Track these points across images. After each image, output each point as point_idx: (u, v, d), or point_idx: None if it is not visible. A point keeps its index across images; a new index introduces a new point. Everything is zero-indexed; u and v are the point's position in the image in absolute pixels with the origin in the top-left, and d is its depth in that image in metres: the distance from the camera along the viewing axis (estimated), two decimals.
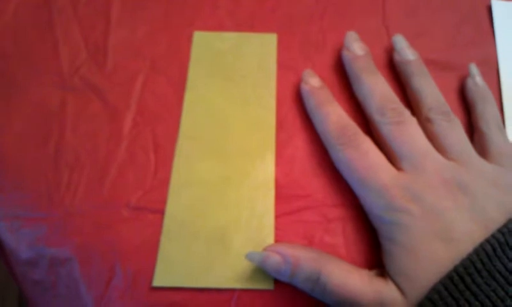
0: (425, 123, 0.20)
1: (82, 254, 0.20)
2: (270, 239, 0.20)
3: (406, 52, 0.23)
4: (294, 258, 0.18)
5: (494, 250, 0.16)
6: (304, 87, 0.22)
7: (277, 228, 0.20)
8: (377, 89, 0.21)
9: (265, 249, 0.18)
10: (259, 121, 0.23)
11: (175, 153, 0.22)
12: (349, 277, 0.17)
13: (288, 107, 0.23)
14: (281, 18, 0.26)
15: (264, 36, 0.25)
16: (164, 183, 0.21)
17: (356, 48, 0.23)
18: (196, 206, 0.21)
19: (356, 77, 0.22)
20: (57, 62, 0.25)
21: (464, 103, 0.23)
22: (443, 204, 0.17)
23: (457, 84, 0.24)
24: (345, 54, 0.23)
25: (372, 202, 0.18)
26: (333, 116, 0.21)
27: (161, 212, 0.21)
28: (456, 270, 0.15)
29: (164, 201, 0.21)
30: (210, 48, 0.25)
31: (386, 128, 0.20)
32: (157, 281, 0.19)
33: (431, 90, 0.21)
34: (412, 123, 0.20)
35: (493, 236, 0.16)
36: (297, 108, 0.23)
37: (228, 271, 0.19)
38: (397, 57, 0.23)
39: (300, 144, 0.22)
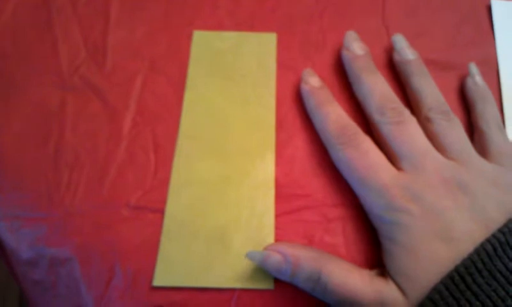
0: (425, 123, 0.20)
1: (82, 254, 0.20)
2: (270, 238, 0.20)
3: (406, 51, 0.23)
4: (295, 257, 0.18)
5: (495, 250, 0.16)
6: (304, 87, 0.22)
7: (277, 227, 0.20)
8: (376, 88, 0.21)
9: (265, 249, 0.18)
10: (259, 121, 0.23)
11: (174, 153, 0.22)
12: (350, 276, 0.17)
13: (288, 106, 0.23)
14: (281, 18, 0.26)
15: (263, 35, 0.25)
16: (164, 182, 0.21)
17: (355, 47, 0.23)
18: (196, 206, 0.21)
19: (356, 76, 0.22)
20: (56, 62, 0.25)
21: (464, 103, 0.23)
22: (443, 204, 0.17)
23: (457, 83, 0.24)
24: (345, 54, 0.23)
25: (372, 202, 0.18)
26: (333, 115, 0.21)
27: (161, 212, 0.21)
28: (456, 270, 0.15)
29: (164, 201, 0.21)
30: (210, 48, 0.25)
31: (386, 128, 0.20)
32: (157, 281, 0.19)
33: (430, 90, 0.21)
34: (412, 122, 0.20)
35: (493, 235, 0.16)
36: (297, 108, 0.23)
37: (228, 271, 0.19)
38: (396, 56, 0.23)
39: (300, 144, 0.22)
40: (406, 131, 0.19)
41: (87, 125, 0.23)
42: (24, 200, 0.21)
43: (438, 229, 0.17)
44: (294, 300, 0.19)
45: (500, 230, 0.16)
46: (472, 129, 0.22)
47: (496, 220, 0.17)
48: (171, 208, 0.21)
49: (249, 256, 0.18)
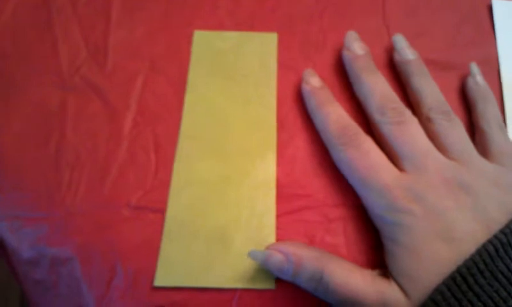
0: (426, 123, 0.20)
1: (83, 253, 0.20)
2: (271, 238, 0.20)
3: (406, 51, 0.23)
4: (297, 256, 0.17)
5: (496, 250, 0.16)
6: (305, 87, 0.22)
7: (278, 228, 0.20)
8: (377, 88, 0.21)
9: (267, 248, 0.18)
10: (260, 121, 0.23)
11: (175, 153, 0.22)
12: (351, 276, 0.17)
13: (289, 107, 0.23)
14: (281, 18, 0.26)
15: (264, 35, 0.25)
16: (165, 182, 0.21)
17: (356, 48, 0.23)
18: (196, 206, 0.21)
19: (357, 76, 0.22)
20: (56, 62, 0.25)
21: (465, 103, 0.23)
22: (444, 204, 0.17)
23: (458, 83, 0.24)
24: (346, 54, 0.23)
25: (373, 202, 0.18)
26: (334, 115, 0.21)
27: (162, 212, 0.21)
28: (458, 271, 0.15)
29: (164, 201, 0.21)
30: (210, 48, 0.25)
31: (387, 128, 0.20)
32: (158, 281, 0.19)
33: (431, 90, 0.21)
34: (413, 122, 0.20)
35: (495, 236, 0.16)
36: (298, 108, 0.23)
37: (228, 271, 0.19)
38: (397, 56, 0.23)
39: (301, 144, 0.22)
40: (406, 131, 0.19)
41: (88, 125, 0.23)
42: (24, 200, 0.21)
43: (439, 230, 0.17)
44: (295, 300, 0.19)
45: (502, 231, 0.16)
46: (473, 129, 0.22)
47: (498, 221, 0.17)
48: (171, 208, 0.21)
49: (251, 255, 0.18)
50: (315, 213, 0.20)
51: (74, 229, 0.20)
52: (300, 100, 0.23)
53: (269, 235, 0.20)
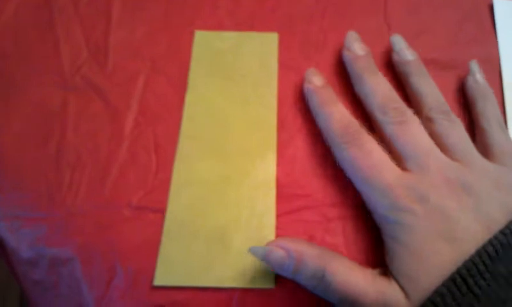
0: (426, 123, 0.20)
1: (84, 254, 0.20)
2: (271, 238, 0.20)
3: (405, 52, 0.23)
4: (298, 253, 0.17)
5: (496, 252, 0.15)
6: (308, 87, 0.22)
7: (278, 227, 0.20)
8: (379, 89, 0.21)
9: (268, 244, 0.18)
10: (260, 121, 0.23)
11: (175, 153, 0.22)
12: (352, 275, 0.17)
13: (289, 107, 0.23)
14: (281, 18, 0.26)
15: (265, 35, 0.25)
16: (165, 182, 0.21)
17: (356, 48, 0.23)
18: (196, 206, 0.21)
19: (358, 77, 0.22)
20: (58, 62, 0.25)
21: (466, 102, 0.23)
22: (446, 204, 0.17)
23: (459, 82, 0.24)
24: (346, 54, 0.23)
25: (376, 201, 0.18)
26: (337, 115, 0.21)
27: (162, 212, 0.21)
28: (458, 271, 0.15)
29: (165, 201, 0.21)
30: (211, 48, 0.25)
31: (389, 128, 0.20)
32: (158, 281, 0.19)
33: (430, 90, 0.21)
34: (415, 122, 0.20)
35: (495, 237, 0.16)
36: (298, 108, 0.23)
37: (228, 270, 0.19)
38: (396, 57, 0.23)
39: (301, 144, 0.22)
40: (408, 131, 0.19)
41: (89, 125, 0.23)
42: (24, 200, 0.21)
43: (441, 230, 0.17)
44: (295, 299, 0.19)
45: (502, 232, 0.16)
46: (473, 128, 0.22)
47: (499, 222, 0.17)
48: (171, 208, 0.21)
49: (251, 251, 0.18)
50: (315, 213, 0.20)
51: (75, 229, 0.20)
52: (300, 100, 0.23)
53: (269, 234, 0.20)
